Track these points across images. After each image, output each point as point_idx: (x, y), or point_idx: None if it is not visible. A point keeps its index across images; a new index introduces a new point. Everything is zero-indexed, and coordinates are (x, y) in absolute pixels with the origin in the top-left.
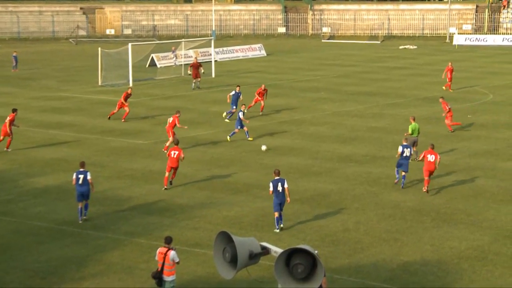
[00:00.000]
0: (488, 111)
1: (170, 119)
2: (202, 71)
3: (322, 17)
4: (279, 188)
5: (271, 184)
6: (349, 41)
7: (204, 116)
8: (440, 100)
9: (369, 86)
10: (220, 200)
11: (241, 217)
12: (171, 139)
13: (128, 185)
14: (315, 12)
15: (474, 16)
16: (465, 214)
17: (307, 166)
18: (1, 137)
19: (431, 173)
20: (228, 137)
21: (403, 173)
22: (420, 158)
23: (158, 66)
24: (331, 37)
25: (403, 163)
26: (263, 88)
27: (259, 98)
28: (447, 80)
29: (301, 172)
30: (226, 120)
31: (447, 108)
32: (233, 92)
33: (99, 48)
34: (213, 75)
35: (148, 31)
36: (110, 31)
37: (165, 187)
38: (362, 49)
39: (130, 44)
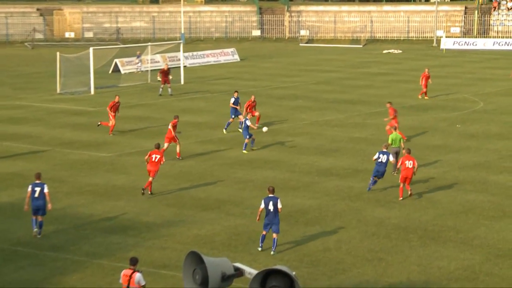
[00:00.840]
0: (478, 120)
1: (170, 126)
2: (170, 77)
3: (300, 19)
4: (270, 207)
5: (262, 202)
6: (329, 45)
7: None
8: (387, 105)
9: (351, 94)
10: (190, 217)
11: (213, 236)
12: (178, 147)
13: (89, 201)
14: (293, 14)
15: (463, 18)
16: (454, 231)
17: (284, 180)
18: None
19: (408, 180)
20: (244, 151)
21: (376, 179)
22: (398, 166)
23: (122, 72)
24: (310, 40)
25: (378, 169)
26: (252, 100)
27: (253, 112)
28: (422, 87)
29: (277, 187)
30: (224, 131)
31: (394, 114)
32: (232, 100)
33: (58, 53)
34: (182, 82)
35: (111, 34)
36: (69, 34)
37: (149, 192)
38: (343, 54)
39: (91, 48)
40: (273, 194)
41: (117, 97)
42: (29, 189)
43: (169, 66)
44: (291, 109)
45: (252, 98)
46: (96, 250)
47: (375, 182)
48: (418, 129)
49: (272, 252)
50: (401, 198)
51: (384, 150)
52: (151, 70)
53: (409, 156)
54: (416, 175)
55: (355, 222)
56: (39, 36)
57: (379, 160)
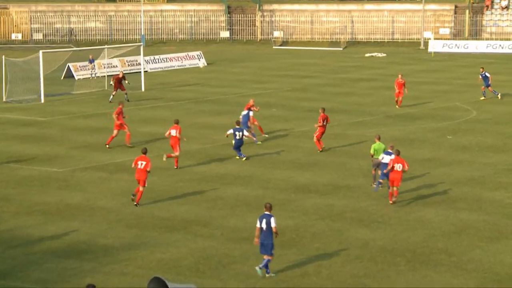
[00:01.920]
0: (471, 130)
1: (173, 132)
2: (127, 81)
3: (273, 19)
4: (263, 225)
5: (258, 220)
6: (305, 47)
7: (132, 138)
8: (320, 110)
9: (330, 102)
10: (153, 239)
11: (178, 260)
12: (176, 153)
13: (40, 222)
14: (265, 13)
15: (453, 19)
16: (446, 254)
17: (256, 198)
18: None
19: (397, 183)
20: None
21: (381, 181)
22: (388, 169)
23: (76, 78)
24: (284, 43)
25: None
26: (251, 104)
27: (253, 119)
28: (396, 95)
29: (249, 205)
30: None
31: (322, 122)
32: (243, 112)
33: (3, 57)
34: (143, 89)
35: (63, 35)
36: (16, 36)
37: (135, 203)
38: (321, 57)
39: (41, 52)
40: (269, 211)
41: (121, 104)
42: None
43: (124, 74)
44: (264, 118)
45: (251, 101)
46: (48, 276)
47: (379, 183)
48: (404, 140)
49: (267, 275)
50: (391, 202)
51: (390, 150)
52: (108, 76)
53: (399, 158)
54: (402, 189)
55: (337, 244)
56: None
57: (384, 161)
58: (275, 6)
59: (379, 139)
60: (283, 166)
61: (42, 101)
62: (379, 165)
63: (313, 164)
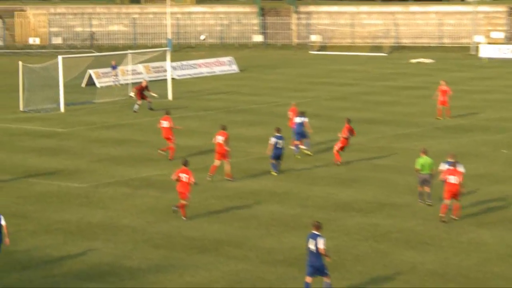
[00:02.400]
0: None
1: (164, 123)
2: (154, 94)
3: (310, 21)
4: (311, 245)
5: (306, 240)
6: (345, 52)
7: (157, 151)
8: (345, 120)
9: (372, 112)
10: (182, 261)
11: (209, 284)
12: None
13: (60, 242)
14: (301, 16)
15: (507, 21)
16: (503, 279)
17: (294, 217)
18: None
19: (455, 197)
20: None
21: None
22: (440, 179)
23: (98, 85)
24: (322, 47)
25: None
26: (294, 104)
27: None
28: (439, 104)
29: (286, 225)
30: (298, 157)
31: (347, 133)
32: (297, 119)
33: (20, 62)
34: (170, 97)
35: (84, 40)
36: (34, 40)
37: (183, 217)
38: (362, 64)
39: (60, 57)
40: (317, 231)
41: (167, 113)
42: None
43: (148, 83)
44: None
45: (293, 104)
46: None
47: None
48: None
49: None
50: (443, 215)
51: (450, 160)
52: (132, 83)
53: (455, 170)
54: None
55: (381, 267)
56: None
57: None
58: (312, 8)
59: (425, 153)
60: (323, 182)
61: (62, 110)
62: (426, 181)
63: (355, 179)
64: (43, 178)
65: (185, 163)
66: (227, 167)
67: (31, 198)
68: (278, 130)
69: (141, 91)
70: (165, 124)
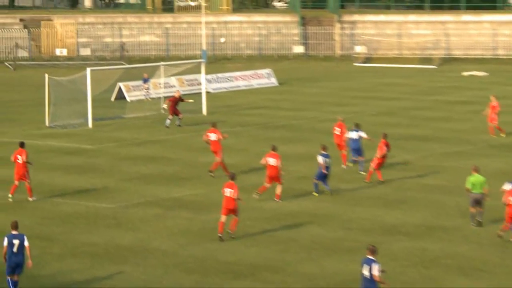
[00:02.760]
0: None
1: (212, 136)
2: (190, 100)
3: (355, 31)
4: (365, 271)
5: (361, 265)
6: (392, 65)
7: (190, 169)
8: (382, 136)
9: (421, 128)
10: (216, 287)
11: None
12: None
13: (87, 266)
14: (345, 25)
15: None
16: None
17: (336, 240)
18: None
19: None
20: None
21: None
22: (503, 201)
23: (128, 99)
24: (367, 59)
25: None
26: (340, 119)
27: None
28: (489, 121)
29: (327, 248)
30: (362, 173)
31: (385, 150)
32: (352, 134)
33: (46, 75)
34: (204, 112)
35: (114, 51)
36: (61, 51)
37: (220, 234)
38: (410, 76)
39: (89, 69)
40: (372, 255)
41: (212, 127)
42: (5, 242)
43: (181, 94)
44: None
45: (340, 119)
46: None
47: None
48: (511, 174)
49: None
50: (501, 233)
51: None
52: (164, 97)
53: None
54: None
55: None
56: (23, 54)
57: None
58: (356, 17)
59: (476, 170)
60: (368, 203)
61: (90, 126)
62: (478, 201)
63: (402, 201)
64: (69, 198)
65: (232, 177)
66: (278, 189)
67: (57, 219)
68: (324, 148)
69: (175, 103)
70: (213, 137)
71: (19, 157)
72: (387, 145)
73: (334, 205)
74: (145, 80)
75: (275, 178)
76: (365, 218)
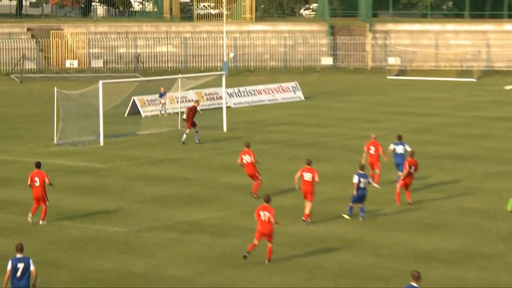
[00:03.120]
0: None
1: (246, 158)
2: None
3: (388, 42)
4: None
5: None
6: (428, 77)
7: (209, 190)
8: (408, 153)
9: (460, 146)
10: None
11: None
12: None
13: None
14: (377, 35)
15: None
16: None
17: (366, 267)
18: None
19: None
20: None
21: None
22: None
23: (143, 114)
24: (401, 71)
25: None
26: (373, 137)
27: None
28: None
29: (356, 276)
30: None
31: (408, 169)
32: (399, 149)
33: (55, 89)
34: (225, 129)
35: (128, 62)
36: (71, 63)
37: (246, 254)
38: (448, 90)
39: (101, 82)
40: (416, 282)
41: (247, 146)
42: (9, 266)
43: (200, 103)
44: None
45: (373, 136)
46: None
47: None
48: None
49: None
50: None
51: None
52: (182, 112)
53: None
54: None
55: None
56: (30, 65)
57: None
58: (390, 26)
59: None
60: (401, 227)
61: (101, 143)
62: None
63: (438, 225)
64: (78, 221)
65: (267, 199)
66: (308, 208)
67: (65, 243)
68: (362, 167)
69: (194, 113)
70: (247, 159)
71: (36, 179)
72: (414, 165)
73: (364, 229)
74: (162, 95)
75: (308, 194)
76: (398, 244)
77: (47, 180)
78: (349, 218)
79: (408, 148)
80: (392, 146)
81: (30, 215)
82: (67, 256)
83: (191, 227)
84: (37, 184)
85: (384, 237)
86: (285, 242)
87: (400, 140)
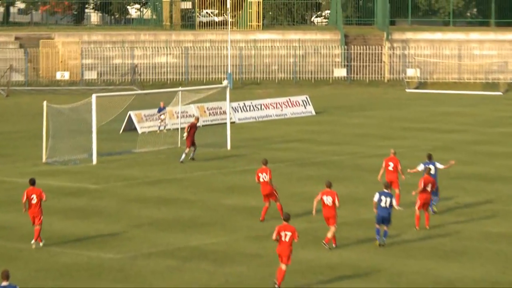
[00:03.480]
0: None
1: (265, 176)
2: (184, 134)
3: (407, 51)
4: None
5: None
6: (450, 91)
7: (212, 213)
8: (425, 172)
9: (485, 165)
10: None
11: None
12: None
13: None
14: (395, 45)
15: None
16: None
17: None
18: None
19: None
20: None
21: None
22: None
23: (140, 131)
24: (421, 84)
25: None
26: (393, 153)
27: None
28: None
29: None
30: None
31: (423, 187)
32: (432, 169)
33: (45, 102)
34: (229, 146)
35: (124, 74)
36: (62, 75)
37: (277, 286)
38: (472, 105)
39: (94, 96)
40: None
41: (265, 165)
42: None
43: (200, 119)
44: None
45: (392, 151)
46: None
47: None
48: None
49: None
50: None
51: None
52: (181, 129)
53: None
54: None
55: None
56: (18, 77)
57: None
58: (409, 35)
59: None
60: (420, 254)
61: (95, 162)
62: None
63: (461, 252)
64: (69, 247)
65: (287, 218)
66: (331, 232)
67: (54, 271)
68: (387, 186)
69: (195, 130)
70: (264, 177)
71: (34, 196)
72: (431, 183)
73: (380, 256)
74: (161, 109)
75: (330, 219)
76: (417, 272)
77: (44, 198)
78: (383, 244)
79: (440, 166)
80: (421, 166)
81: (33, 241)
82: (56, 285)
83: (191, 254)
84: (34, 201)
85: (402, 265)
86: (295, 270)
87: (430, 159)
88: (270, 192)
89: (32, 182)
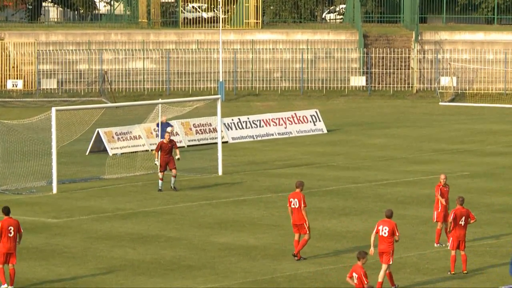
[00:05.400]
0: None
1: (296, 203)
2: (178, 157)
3: (440, 56)
4: None
5: None
6: (493, 104)
7: (200, 253)
8: (457, 201)
9: None
10: None
11: None
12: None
13: None
14: (426, 47)
15: None
16: None
17: None
18: None
19: None
20: None
21: None
22: None
23: (110, 152)
24: (458, 96)
25: None
26: (443, 183)
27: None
28: None
29: None
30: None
31: (457, 221)
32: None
33: None
34: (220, 172)
35: (91, 83)
36: (14, 84)
37: None
38: None
39: (54, 109)
40: None
41: (167, 134)
42: None
43: (171, 136)
44: (423, 222)
45: (443, 177)
46: None
47: None
48: None
49: None
50: None
51: None
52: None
53: None
54: None
55: None
56: None
57: None
58: (443, 35)
59: None
60: None
61: (55, 191)
62: None
63: None
64: None
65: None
66: (383, 272)
67: None
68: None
69: (168, 152)
70: (295, 204)
71: (11, 229)
72: (465, 215)
73: None
74: (164, 126)
75: (384, 255)
76: None
77: (21, 231)
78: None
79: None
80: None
81: (2, 285)
82: None
83: None
84: (11, 235)
85: None
86: None
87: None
88: (300, 223)
89: (7, 211)
